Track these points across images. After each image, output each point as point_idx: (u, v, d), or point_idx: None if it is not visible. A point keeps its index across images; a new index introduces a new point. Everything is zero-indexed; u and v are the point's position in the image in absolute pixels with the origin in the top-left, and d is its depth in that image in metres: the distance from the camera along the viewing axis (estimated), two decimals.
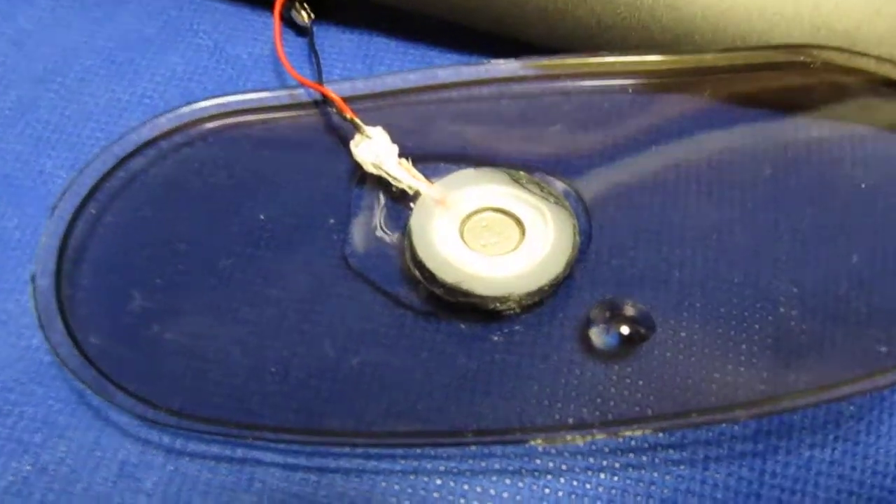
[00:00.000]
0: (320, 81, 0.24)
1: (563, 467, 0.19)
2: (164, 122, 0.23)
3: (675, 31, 0.24)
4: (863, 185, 0.21)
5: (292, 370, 0.20)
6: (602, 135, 0.23)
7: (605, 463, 0.19)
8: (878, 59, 0.22)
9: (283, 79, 0.25)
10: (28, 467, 0.19)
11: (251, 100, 0.23)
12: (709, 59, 0.23)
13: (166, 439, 0.20)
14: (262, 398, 0.19)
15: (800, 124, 0.23)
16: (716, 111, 0.23)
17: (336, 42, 0.27)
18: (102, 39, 0.27)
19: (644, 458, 0.19)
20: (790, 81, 0.23)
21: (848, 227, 0.21)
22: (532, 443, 0.18)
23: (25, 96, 0.26)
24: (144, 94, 0.26)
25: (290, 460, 0.19)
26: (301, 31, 0.27)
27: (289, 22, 0.27)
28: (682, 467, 0.19)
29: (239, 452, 0.19)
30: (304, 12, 0.26)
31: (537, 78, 0.24)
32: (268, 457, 0.19)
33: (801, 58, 0.23)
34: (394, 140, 0.23)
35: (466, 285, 0.20)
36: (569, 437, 0.18)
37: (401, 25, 0.27)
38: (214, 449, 0.19)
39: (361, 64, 0.26)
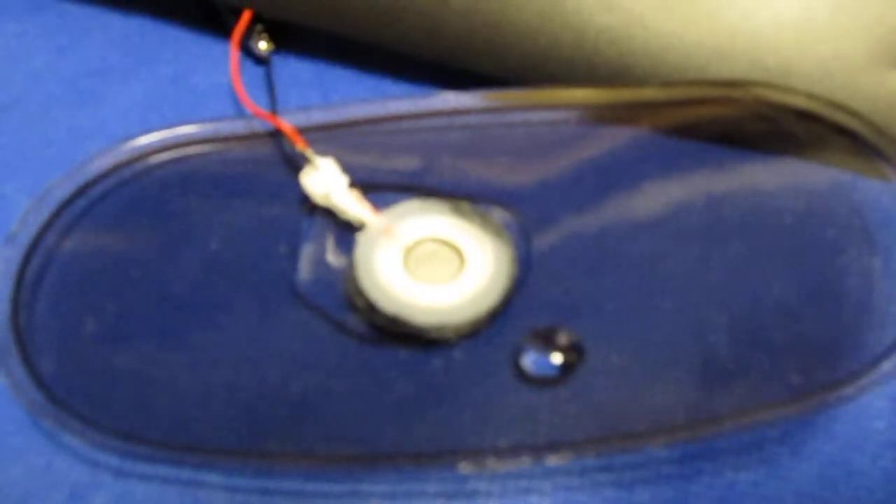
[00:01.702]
0: (275, 112, 0.24)
1: (495, 490, 0.20)
2: (121, 153, 0.24)
3: (616, 65, 0.25)
4: (789, 218, 0.22)
5: (238, 395, 0.21)
6: (544, 165, 0.24)
7: (534, 485, 0.20)
8: (807, 95, 0.23)
9: (241, 108, 0.26)
10: None
11: (205, 130, 0.24)
12: (647, 92, 0.24)
13: (115, 462, 0.20)
14: (208, 422, 0.20)
15: (732, 157, 0.24)
16: (653, 143, 0.24)
17: (293, 71, 0.27)
18: (67, 67, 0.28)
19: (573, 481, 0.20)
20: (725, 115, 0.24)
21: (774, 258, 0.22)
22: (461, 468, 0.19)
23: None
24: (106, 121, 0.27)
25: (235, 482, 0.20)
26: (260, 60, 0.28)
27: (248, 51, 0.27)
28: (609, 490, 0.20)
29: (185, 474, 0.20)
30: (263, 42, 0.27)
31: (485, 110, 0.25)
32: (213, 478, 0.20)
33: (735, 93, 0.24)
34: (345, 169, 0.24)
35: (406, 315, 0.21)
36: (495, 463, 0.19)
37: (356, 56, 0.27)
38: (161, 471, 0.20)
39: (317, 93, 0.27)
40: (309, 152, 0.23)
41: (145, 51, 0.28)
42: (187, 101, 0.27)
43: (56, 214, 0.23)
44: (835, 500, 0.21)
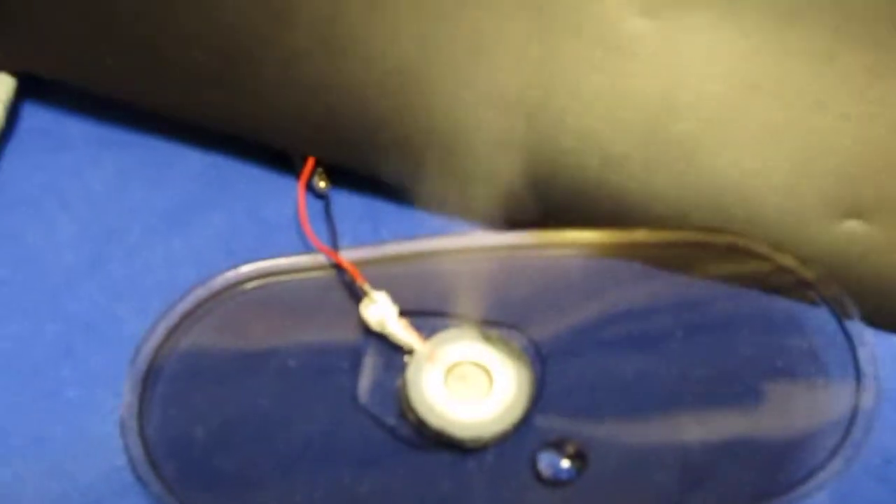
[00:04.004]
0: (336, 249, 0.30)
1: None
2: (215, 284, 0.29)
3: (614, 212, 0.31)
4: (750, 348, 0.28)
5: (315, 490, 0.26)
6: (555, 296, 0.30)
7: None
8: (769, 242, 0.29)
9: (305, 241, 0.32)
10: None
11: (281, 264, 0.30)
12: (639, 235, 0.30)
13: None
14: None
15: (707, 293, 0.30)
16: (645, 278, 0.30)
17: (347, 205, 0.33)
18: (158, 199, 0.33)
19: None
20: (702, 255, 0.30)
21: (738, 380, 0.28)
22: None
23: (99, 251, 0.32)
24: (195, 249, 0.32)
25: None
26: (319, 195, 0.33)
27: (309, 187, 0.33)
28: None
29: None
30: (322, 182, 0.33)
31: (508, 247, 0.30)
32: None
33: (710, 237, 0.30)
34: (394, 297, 0.29)
35: (448, 430, 0.26)
36: None
37: (400, 193, 0.33)
38: None
39: (368, 224, 0.33)
40: (366, 287, 0.29)
41: (221, 185, 0.33)
42: (261, 232, 0.32)
43: (165, 340, 0.28)
44: None
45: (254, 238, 0.32)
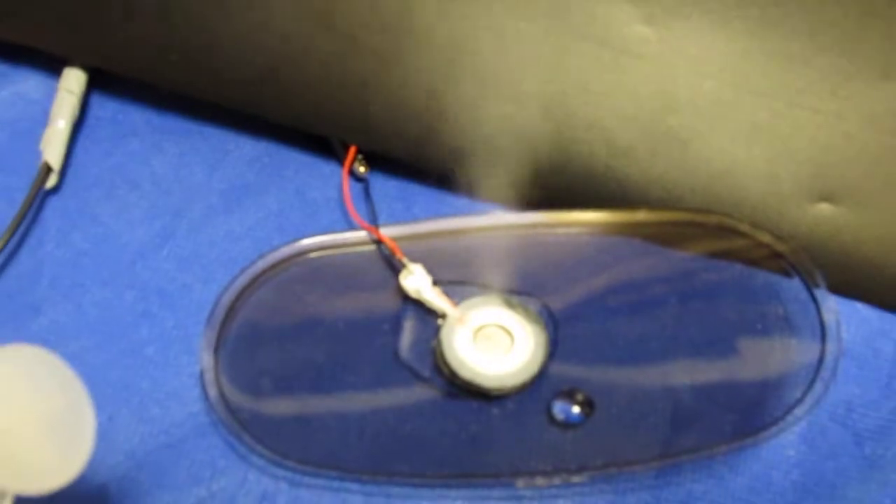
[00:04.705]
0: (376, 226, 0.35)
1: (536, 495, 0.31)
2: (275, 256, 0.34)
3: (618, 194, 0.35)
4: (733, 312, 0.33)
5: (366, 432, 0.31)
6: (566, 267, 0.34)
7: (560, 492, 0.31)
8: (750, 222, 0.34)
9: (348, 219, 0.36)
10: (204, 493, 0.31)
11: (330, 239, 0.35)
12: (640, 215, 0.35)
13: (290, 475, 0.31)
14: (349, 449, 0.31)
15: (698, 265, 0.34)
16: (644, 252, 0.35)
17: (383, 186, 0.37)
18: (217, 181, 0.38)
19: (585, 489, 0.31)
20: (693, 232, 0.35)
21: (722, 339, 0.33)
22: (517, 484, 0.30)
23: (166, 227, 0.37)
24: (252, 226, 0.36)
25: (368, 489, 0.31)
26: (359, 179, 0.38)
27: (350, 171, 0.38)
28: (609, 495, 0.31)
29: (335, 484, 0.31)
30: (361, 167, 0.38)
31: (525, 226, 0.35)
32: (353, 487, 0.31)
33: (700, 217, 0.35)
34: (428, 269, 0.34)
35: (477, 380, 0.31)
36: (538, 481, 0.30)
37: (430, 176, 0.38)
38: (320, 482, 0.31)
39: (401, 204, 0.37)
40: (405, 260, 0.34)
41: (272, 169, 0.38)
42: (308, 212, 0.37)
43: (233, 304, 0.33)
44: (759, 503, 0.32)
45: (302, 217, 0.37)
